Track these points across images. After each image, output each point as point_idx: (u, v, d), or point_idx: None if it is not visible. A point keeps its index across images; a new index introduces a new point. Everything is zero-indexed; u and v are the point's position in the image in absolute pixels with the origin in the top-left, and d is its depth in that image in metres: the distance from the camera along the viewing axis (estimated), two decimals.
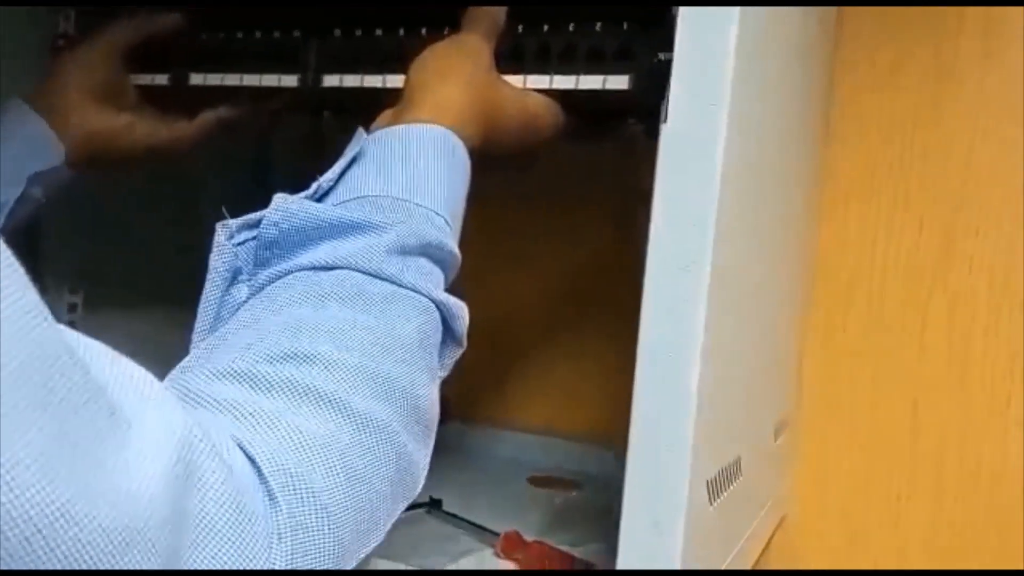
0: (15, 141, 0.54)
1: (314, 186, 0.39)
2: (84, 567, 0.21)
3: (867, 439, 0.72)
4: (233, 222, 0.37)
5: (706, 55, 0.39)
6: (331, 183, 0.39)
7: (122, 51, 0.58)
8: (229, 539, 0.25)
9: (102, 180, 0.63)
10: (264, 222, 0.36)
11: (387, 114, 0.45)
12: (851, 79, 0.71)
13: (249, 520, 0.26)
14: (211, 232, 0.37)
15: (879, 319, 0.72)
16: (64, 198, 0.60)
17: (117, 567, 0.22)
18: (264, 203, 0.38)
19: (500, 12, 0.48)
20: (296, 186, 0.39)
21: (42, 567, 0.20)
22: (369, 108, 0.48)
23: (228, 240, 0.37)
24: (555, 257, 0.82)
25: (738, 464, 0.50)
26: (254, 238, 0.37)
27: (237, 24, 0.58)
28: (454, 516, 0.59)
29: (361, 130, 0.42)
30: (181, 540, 0.24)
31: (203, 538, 0.25)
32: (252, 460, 0.28)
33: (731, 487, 0.48)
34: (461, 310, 0.39)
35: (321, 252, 0.36)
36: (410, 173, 0.39)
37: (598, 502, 0.66)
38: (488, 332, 0.84)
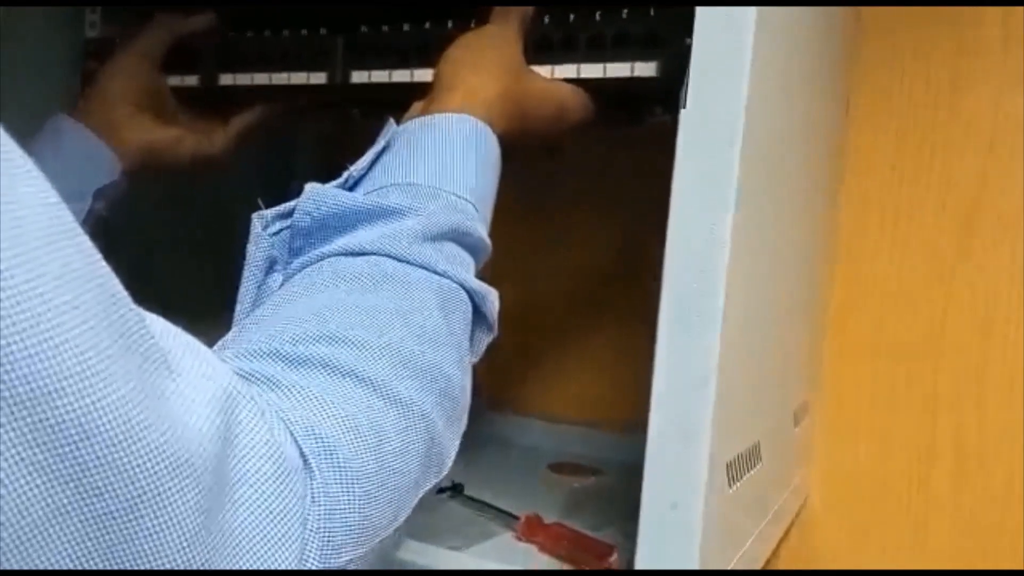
0: (72, 158, 0.55)
1: (345, 175, 0.40)
2: (135, 489, 0.22)
3: (886, 425, 0.72)
4: (268, 212, 0.38)
5: (726, 39, 0.40)
6: (362, 172, 0.40)
7: (158, 55, 0.60)
8: (270, 489, 0.26)
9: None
10: (297, 211, 0.37)
11: (417, 106, 0.45)
12: (872, 65, 0.72)
13: (288, 474, 0.27)
14: (242, 232, 0.38)
15: (899, 304, 0.72)
16: None
17: (163, 494, 0.22)
18: (296, 195, 0.39)
19: (528, 5, 0.49)
20: (325, 180, 0.41)
21: (87, 477, 0.21)
22: (397, 103, 0.49)
23: (264, 230, 0.37)
24: (577, 243, 0.83)
25: (757, 449, 0.51)
26: (288, 227, 0.38)
27: (264, 23, 0.60)
28: (475, 500, 0.61)
29: (391, 120, 0.43)
30: (224, 482, 0.24)
31: (244, 486, 0.25)
32: (289, 426, 0.28)
33: (750, 472, 0.49)
34: (492, 295, 0.39)
35: (353, 238, 0.36)
36: (440, 161, 0.40)
37: (617, 488, 0.67)
38: (510, 320, 0.86)
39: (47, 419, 0.20)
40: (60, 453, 0.20)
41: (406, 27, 0.54)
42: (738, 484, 0.46)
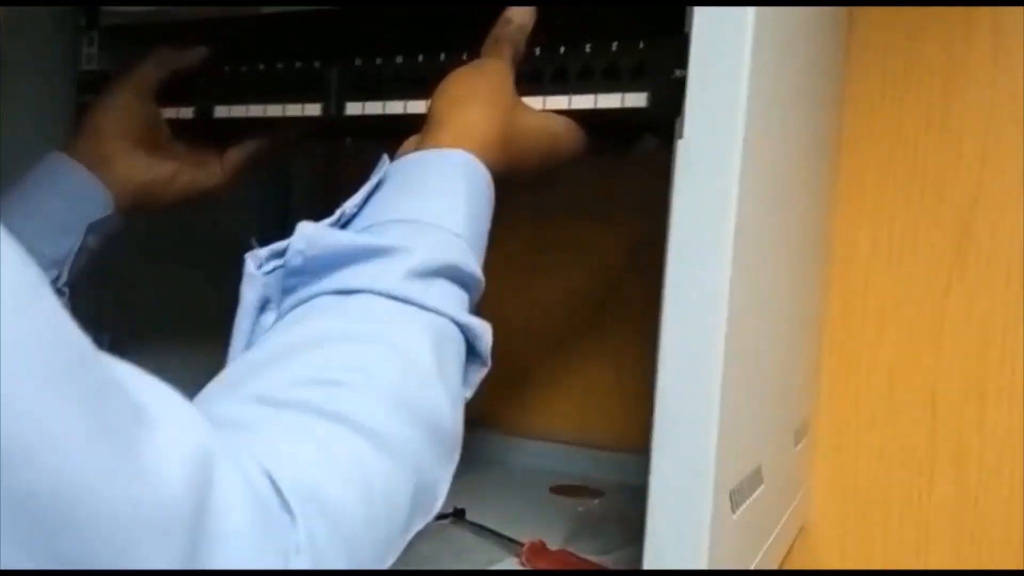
0: (64, 194, 0.55)
1: (338, 213, 0.40)
2: (100, 548, 0.21)
3: (886, 441, 0.73)
4: (261, 251, 0.38)
5: (719, 70, 0.40)
6: (355, 209, 0.40)
7: (152, 88, 0.60)
8: (250, 543, 0.25)
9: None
10: (290, 251, 0.37)
11: (411, 140, 0.46)
12: (863, 82, 0.72)
13: (269, 527, 0.26)
14: (236, 263, 0.38)
15: (896, 318, 0.72)
16: None
17: (139, 554, 0.22)
18: (288, 228, 0.39)
19: (520, 38, 0.49)
20: (317, 207, 0.41)
21: (60, 544, 0.20)
22: (391, 132, 0.49)
23: (257, 269, 0.37)
24: (577, 264, 0.83)
25: (759, 472, 0.51)
26: (282, 266, 0.38)
27: (259, 54, 0.60)
28: (478, 526, 0.61)
29: (385, 156, 0.43)
30: (202, 538, 0.24)
31: (223, 541, 0.24)
32: (270, 475, 0.28)
33: (753, 495, 0.49)
34: (485, 330, 0.39)
35: (345, 277, 0.36)
36: (433, 197, 0.40)
37: (621, 510, 0.67)
38: (511, 340, 0.86)
39: (12, 487, 0.20)
40: (27, 522, 0.20)
41: (399, 59, 0.54)
42: (741, 508, 0.46)
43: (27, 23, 0.66)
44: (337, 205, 0.40)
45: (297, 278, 0.37)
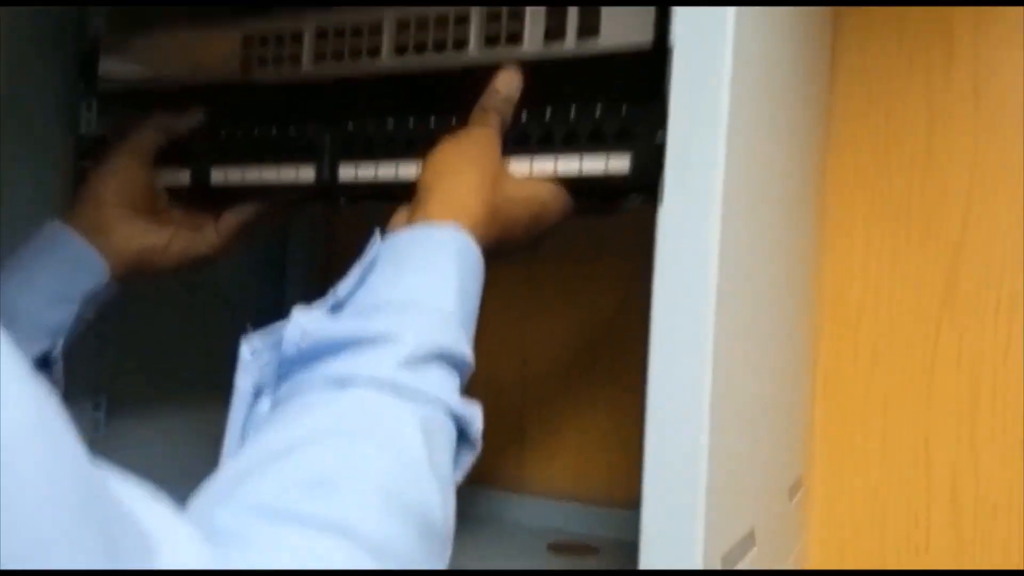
0: (61, 264, 0.56)
1: (331, 297, 0.41)
2: None
3: (880, 490, 0.72)
4: (256, 339, 0.38)
5: (698, 134, 0.41)
6: (348, 291, 0.41)
7: (150, 154, 0.61)
8: None
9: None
10: (285, 340, 0.38)
11: (402, 214, 0.46)
12: (847, 128, 0.74)
13: None
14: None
15: (886, 363, 0.72)
16: None
17: None
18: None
19: (508, 108, 0.50)
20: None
21: None
22: (383, 196, 0.50)
23: (252, 356, 0.38)
24: (569, 314, 0.83)
25: (752, 535, 0.51)
26: (274, 351, 0.38)
27: (253, 118, 0.61)
28: None
29: (377, 233, 0.44)
30: None
31: None
32: None
33: (746, 557, 0.49)
34: (475, 416, 0.39)
35: (339, 365, 0.37)
36: (424, 278, 0.40)
37: (618, 567, 0.66)
38: (506, 396, 0.86)
39: None
40: None
41: (390, 123, 0.56)
42: (734, 569, 0.46)
43: (27, 88, 0.68)
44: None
45: (291, 365, 0.38)
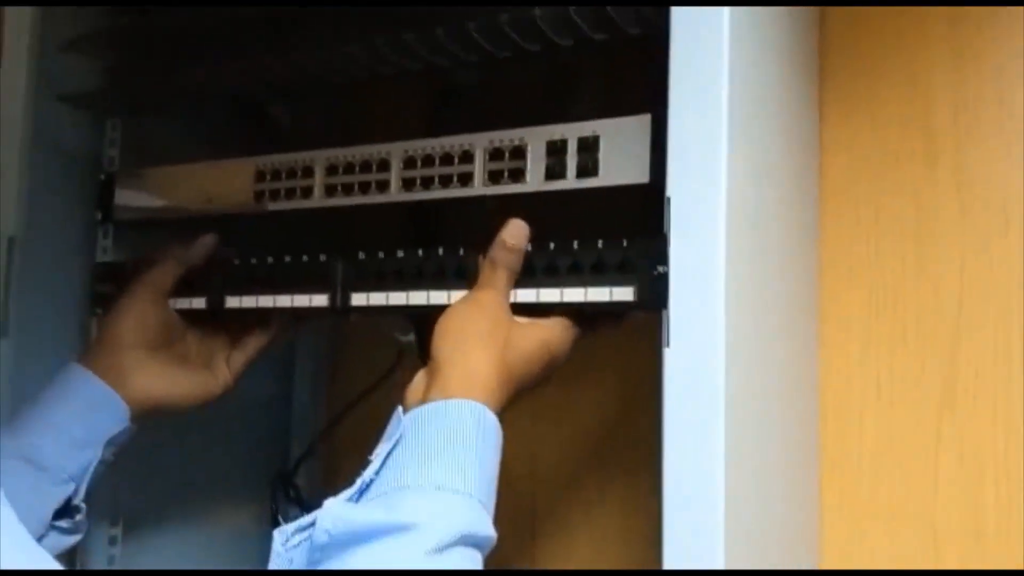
0: (82, 409, 0.57)
1: (358, 483, 0.43)
2: None
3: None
4: (288, 528, 0.41)
5: (699, 263, 0.44)
6: (374, 476, 0.43)
7: (167, 291, 0.63)
8: None
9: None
10: (316, 528, 0.40)
11: (419, 384, 0.48)
12: (836, 232, 0.76)
13: None
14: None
15: (889, 465, 0.73)
16: None
17: None
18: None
19: (517, 261, 0.52)
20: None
21: None
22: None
23: (283, 545, 0.40)
24: (577, 407, 0.84)
25: None
26: (307, 538, 0.40)
27: (268, 248, 0.64)
28: None
29: (399, 409, 0.46)
30: None
31: None
32: None
33: None
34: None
35: (368, 554, 0.39)
36: (447, 460, 0.43)
37: None
38: (516, 491, 0.86)
39: None
40: None
41: (400, 253, 0.58)
42: None
43: (45, 218, 0.70)
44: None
45: (322, 552, 0.40)
